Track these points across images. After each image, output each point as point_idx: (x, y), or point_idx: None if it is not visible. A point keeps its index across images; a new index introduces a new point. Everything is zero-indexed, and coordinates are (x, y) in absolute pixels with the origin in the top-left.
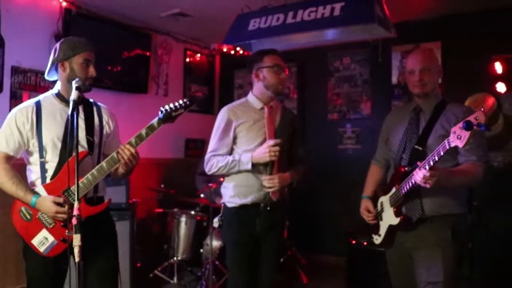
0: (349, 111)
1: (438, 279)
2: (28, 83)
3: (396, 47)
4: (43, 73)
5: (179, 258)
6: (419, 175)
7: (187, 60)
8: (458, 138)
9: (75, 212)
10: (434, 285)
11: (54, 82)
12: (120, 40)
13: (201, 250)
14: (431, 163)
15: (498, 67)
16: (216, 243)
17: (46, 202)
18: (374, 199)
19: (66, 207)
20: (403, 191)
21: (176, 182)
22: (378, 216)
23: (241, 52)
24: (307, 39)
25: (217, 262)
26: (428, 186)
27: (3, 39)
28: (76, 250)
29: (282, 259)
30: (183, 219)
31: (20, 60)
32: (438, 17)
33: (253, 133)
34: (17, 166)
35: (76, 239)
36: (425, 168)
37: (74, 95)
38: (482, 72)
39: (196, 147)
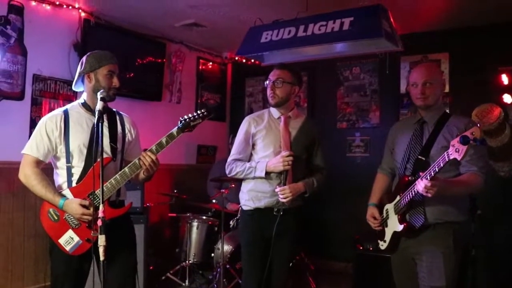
0: (358, 120)
1: (440, 284)
2: (48, 91)
3: (404, 58)
4: (62, 81)
5: (190, 262)
6: (420, 185)
7: (200, 68)
8: (456, 151)
9: (100, 214)
10: None
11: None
12: (136, 49)
13: (212, 254)
14: (432, 173)
15: (505, 79)
16: (227, 248)
17: (73, 204)
18: (380, 206)
19: (91, 209)
20: (407, 200)
21: (188, 187)
22: (384, 223)
23: (252, 60)
24: (317, 51)
25: (228, 266)
26: (429, 195)
27: (26, 49)
28: (101, 250)
29: (291, 264)
30: (195, 223)
31: (41, 69)
32: (446, 29)
33: (268, 141)
34: (45, 170)
35: (101, 240)
36: (427, 179)
37: (99, 105)
38: (489, 83)
39: (208, 153)
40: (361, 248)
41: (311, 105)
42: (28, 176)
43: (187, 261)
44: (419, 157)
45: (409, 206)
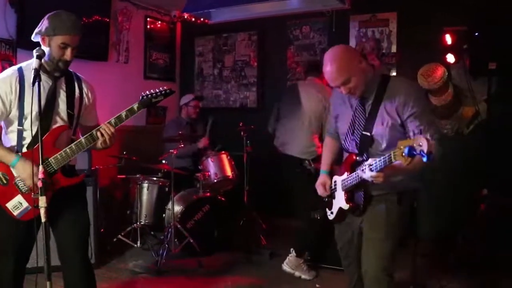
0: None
1: (378, 235)
2: None
3: (354, 17)
4: None
5: (142, 223)
6: (367, 175)
7: (148, 27)
8: (402, 155)
9: (40, 175)
10: (372, 241)
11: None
12: (79, 5)
13: (164, 215)
14: (377, 168)
15: (448, 39)
16: (177, 208)
17: (26, 163)
18: (331, 173)
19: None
20: (353, 182)
21: (138, 149)
22: (332, 194)
23: (201, 19)
24: (265, 8)
25: (179, 226)
26: (378, 182)
27: None
28: (42, 211)
29: (241, 222)
30: (145, 185)
31: None
32: None
33: None
34: None
35: (42, 201)
36: (371, 170)
37: (35, 63)
38: (434, 42)
39: (158, 115)
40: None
41: (261, 65)
42: None
43: (138, 223)
44: (364, 133)
45: (355, 186)
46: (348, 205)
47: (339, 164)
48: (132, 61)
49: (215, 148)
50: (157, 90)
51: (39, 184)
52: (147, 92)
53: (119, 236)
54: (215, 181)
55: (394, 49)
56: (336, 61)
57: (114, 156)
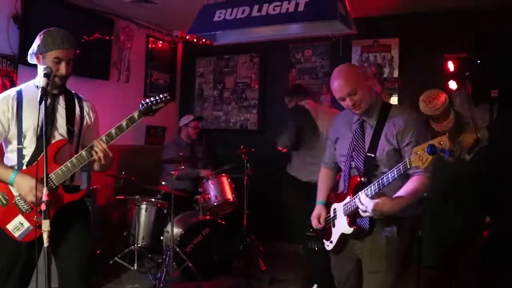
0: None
1: (380, 268)
2: None
3: (356, 41)
4: (1, 56)
5: (139, 245)
6: (361, 208)
7: (150, 46)
8: (420, 159)
9: (44, 198)
10: (373, 274)
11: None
12: (82, 24)
13: (162, 237)
14: (371, 193)
15: (451, 66)
16: (176, 230)
17: (27, 179)
18: (328, 204)
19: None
20: (356, 206)
21: (137, 169)
22: (330, 222)
23: (203, 40)
24: (271, 32)
25: (177, 249)
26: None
27: None
28: (45, 236)
29: (241, 247)
30: (143, 206)
31: None
32: (397, 14)
33: None
34: None
35: (45, 225)
36: (368, 196)
37: (42, 81)
38: (436, 69)
39: (157, 135)
40: (311, 230)
41: (263, 87)
42: None
43: (135, 245)
44: (368, 154)
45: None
46: (352, 229)
47: (334, 191)
48: (132, 80)
49: (227, 166)
50: (157, 97)
51: (43, 206)
52: (147, 100)
53: (116, 258)
54: (215, 204)
55: (396, 74)
56: (344, 73)
57: (112, 176)
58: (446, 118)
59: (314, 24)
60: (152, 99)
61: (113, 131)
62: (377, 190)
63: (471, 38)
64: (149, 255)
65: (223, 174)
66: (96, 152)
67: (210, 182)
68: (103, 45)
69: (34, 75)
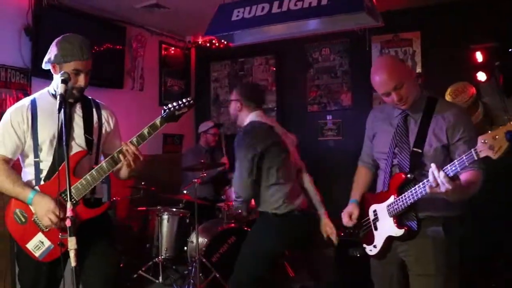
0: (329, 102)
1: (428, 271)
2: None
3: (375, 37)
4: (14, 69)
5: (163, 257)
6: (443, 187)
7: (163, 53)
8: (490, 148)
9: (69, 213)
10: (422, 278)
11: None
12: (94, 33)
13: (185, 248)
14: (451, 173)
15: (479, 56)
16: (201, 240)
17: (45, 199)
18: (361, 204)
19: (58, 212)
20: (409, 202)
21: (155, 178)
22: (371, 225)
23: (216, 44)
24: (290, 30)
25: (203, 260)
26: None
27: None
28: (72, 254)
29: None
30: (165, 216)
31: None
32: (417, 7)
33: None
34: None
35: (72, 242)
36: (446, 176)
37: (60, 88)
38: (461, 61)
39: (174, 143)
40: (342, 234)
41: (280, 89)
42: None
43: (159, 257)
44: (415, 149)
45: (408, 209)
46: (403, 230)
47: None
48: (147, 88)
49: None
50: (180, 102)
51: (68, 223)
52: (169, 105)
53: (140, 271)
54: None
55: (418, 69)
56: (388, 66)
57: (132, 187)
58: (474, 111)
59: (338, 18)
60: (174, 104)
61: (134, 139)
62: (450, 174)
63: (498, 26)
64: (174, 267)
65: None
66: (125, 156)
67: (232, 188)
68: (116, 53)
69: (48, 86)
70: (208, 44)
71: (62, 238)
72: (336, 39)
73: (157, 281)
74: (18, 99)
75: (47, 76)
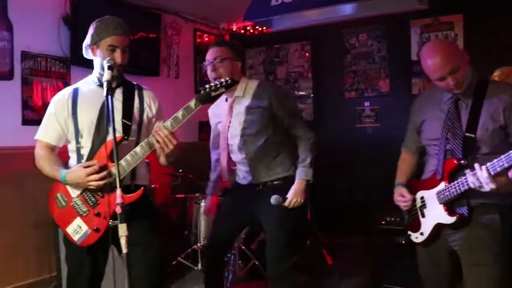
0: (367, 89)
1: (485, 261)
2: (39, 69)
3: (414, 22)
4: (54, 58)
5: (201, 244)
6: (487, 187)
7: (197, 41)
8: None
9: (118, 200)
10: (477, 268)
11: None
12: (131, 21)
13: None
14: (498, 169)
15: None
16: None
17: (75, 171)
18: (408, 188)
19: (103, 173)
20: (461, 189)
21: (192, 166)
22: (418, 212)
23: (251, 31)
24: (331, 13)
25: (243, 247)
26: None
27: (11, 23)
28: (122, 242)
29: (308, 242)
30: (203, 203)
31: (30, 45)
32: None
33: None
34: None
35: (122, 229)
36: (490, 173)
37: (106, 75)
38: (508, 44)
39: (210, 130)
40: (383, 222)
41: (316, 75)
42: (38, 159)
43: (197, 244)
44: (467, 134)
45: (460, 196)
46: (454, 218)
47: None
48: (182, 76)
49: None
50: (217, 82)
51: (118, 209)
52: (206, 86)
53: (179, 258)
54: None
55: None
56: (442, 49)
57: (169, 174)
58: None
59: (381, 0)
60: (211, 84)
61: (168, 122)
62: (498, 170)
63: None
64: None
65: None
66: (158, 141)
67: None
68: (151, 41)
69: (87, 75)
70: (242, 31)
71: (112, 225)
72: (373, 24)
73: (196, 268)
74: (58, 88)
75: (86, 65)
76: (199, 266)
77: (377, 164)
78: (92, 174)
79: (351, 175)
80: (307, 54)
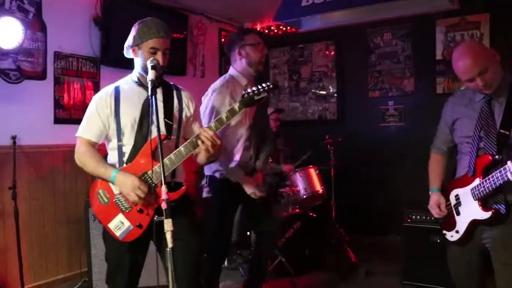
0: (391, 88)
1: None
2: (70, 69)
3: (440, 21)
4: (85, 58)
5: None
6: None
7: (222, 40)
8: None
9: (164, 196)
10: (509, 267)
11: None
12: None
13: (248, 233)
14: None
15: None
16: None
17: (128, 177)
18: (443, 191)
19: (145, 188)
20: (497, 183)
21: None
22: (453, 211)
23: (275, 31)
24: (361, 15)
25: None
26: None
27: (45, 24)
28: (168, 236)
29: (333, 240)
30: None
31: (62, 45)
32: None
33: None
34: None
35: (168, 224)
36: None
37: (151, 74)
38: None
39: None
40: (409, 220)
41: (340, 75)
42: (80, 156)
43: None
44: (502, 131)
45: (496, 191)
46: (490, 213)
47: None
48: (208, 75)
49: (307, 153)
50: (259, 87)
51: (164, 205)
52: (248, 89)
53: (205, 255)
54: (305, 196)
55: None
56: (472, 51)
57: (196, 172)
58: None
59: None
60: (254, 88)
61: (212, 124)
62: None
63: None
64: (238, 251)
65: (311, 166)
66: (203, 142)
67: (298, 174)
68: (178, 41)
69: (116, 75)
70: (266, 31)
71: (157, 220)
72: (398, 23)
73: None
74: (88, 87)
75: (116, 65)
76: (226, 263)
77: (402, 163)
78: (140, 188)
79: (374, 174)
80: (331, 53)
